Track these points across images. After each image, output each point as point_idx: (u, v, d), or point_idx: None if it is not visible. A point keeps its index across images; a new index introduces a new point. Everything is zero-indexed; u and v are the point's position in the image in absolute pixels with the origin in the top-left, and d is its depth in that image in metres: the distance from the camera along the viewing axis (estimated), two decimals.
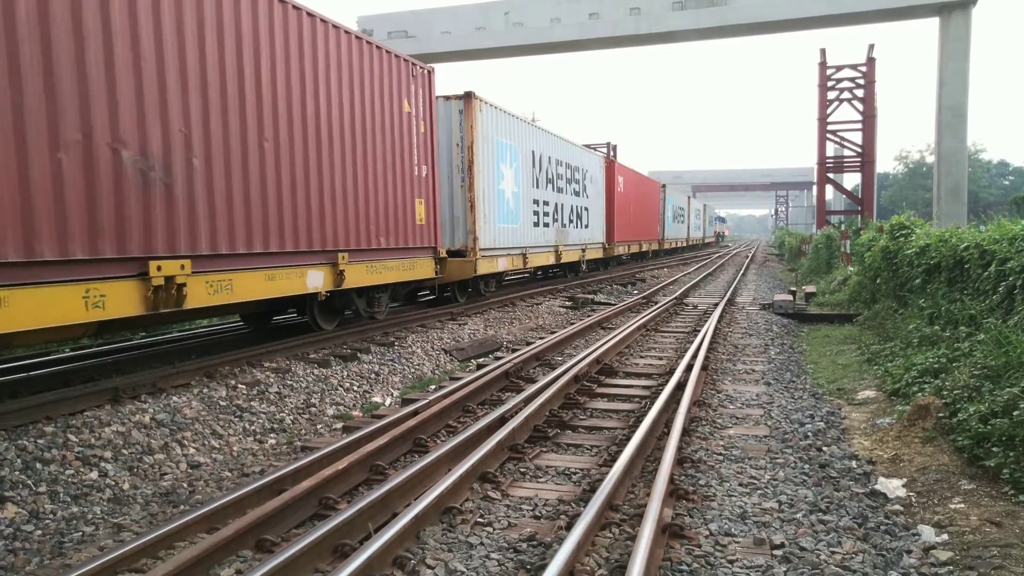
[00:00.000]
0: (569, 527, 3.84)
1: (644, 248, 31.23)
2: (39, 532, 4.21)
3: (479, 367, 8.62)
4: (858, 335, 10.85)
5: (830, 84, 32.71)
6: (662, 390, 6.66)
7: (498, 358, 9.22)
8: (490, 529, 4.02)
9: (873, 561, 3.66)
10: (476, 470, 4.62)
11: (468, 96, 12.95)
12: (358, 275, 9.39)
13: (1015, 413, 4.85)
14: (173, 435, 5.75)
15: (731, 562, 3.61)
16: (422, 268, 11.12)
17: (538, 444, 5.57)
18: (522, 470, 5.02)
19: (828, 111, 32.89)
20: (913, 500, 4.54)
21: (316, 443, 5.88)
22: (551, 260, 18.53)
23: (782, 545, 3.79)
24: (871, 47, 32.07)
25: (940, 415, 5.65)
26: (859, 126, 32.84)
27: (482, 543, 3.82)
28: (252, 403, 6.72)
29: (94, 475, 4.94)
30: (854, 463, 5.16)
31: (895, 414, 6.24)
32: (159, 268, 6.31)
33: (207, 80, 6.91)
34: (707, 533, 3.93)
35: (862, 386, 7.69)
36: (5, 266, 5.13)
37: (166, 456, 5.46)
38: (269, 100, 7.72)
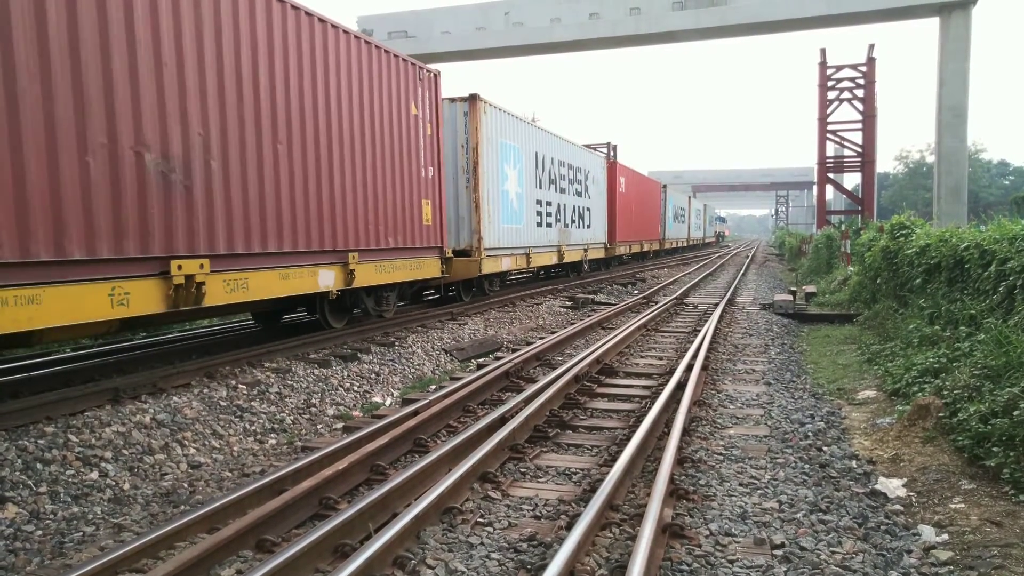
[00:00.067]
0: (569, 527, 3.85)
1: (645, 248, 31.25)
2: (40, 532, 4.21)
3: (479, 367, 8.62)
4: (858, 335, 10.85)
5: (830, 84, 32.70)
6: (662, 390, 6.66)
7: (498, 358, 9.23)
8: (490, 529, 4.02)
9: (873, 561, 3.66)
10: (476, 470, 4.63)
11: (473, 98, 13.02)
12: (367, 274, 9.50)
13: (1015, 413, 4.85)
14: (173, 435, 5.76)
15: (731, 562, 3.62)
16: (429, 267, 11.20)
17: (538, 444, 5.58)
18: (522, 470, 5.03)
19: (828, 111, 32.88)
20: (913, 500, 4.54)
21: (316, 443, 5.89)
22: (554, 260, 18.54)
23: (782, 545, 3.79)
24: (871, 47, 32.07)
25: (940, 415, 5.66)
26: (859, 126, 32.83)
27: (482, 543, 3.83)
28: (252, 403, 6.73)
29: (94, 475, 4.94)
30: (854, 463, 5.16)
31: (895, 414, 6.24)
32: (180, 267, 6.45)
33: (224, 85, 7.03)
34: (707, 533, 3.94)
35: (862, 386, 7.69)
36: (38, 265, 5.28)
37: (166, 456, 5.47)
38: (283, 104, 7.83)
